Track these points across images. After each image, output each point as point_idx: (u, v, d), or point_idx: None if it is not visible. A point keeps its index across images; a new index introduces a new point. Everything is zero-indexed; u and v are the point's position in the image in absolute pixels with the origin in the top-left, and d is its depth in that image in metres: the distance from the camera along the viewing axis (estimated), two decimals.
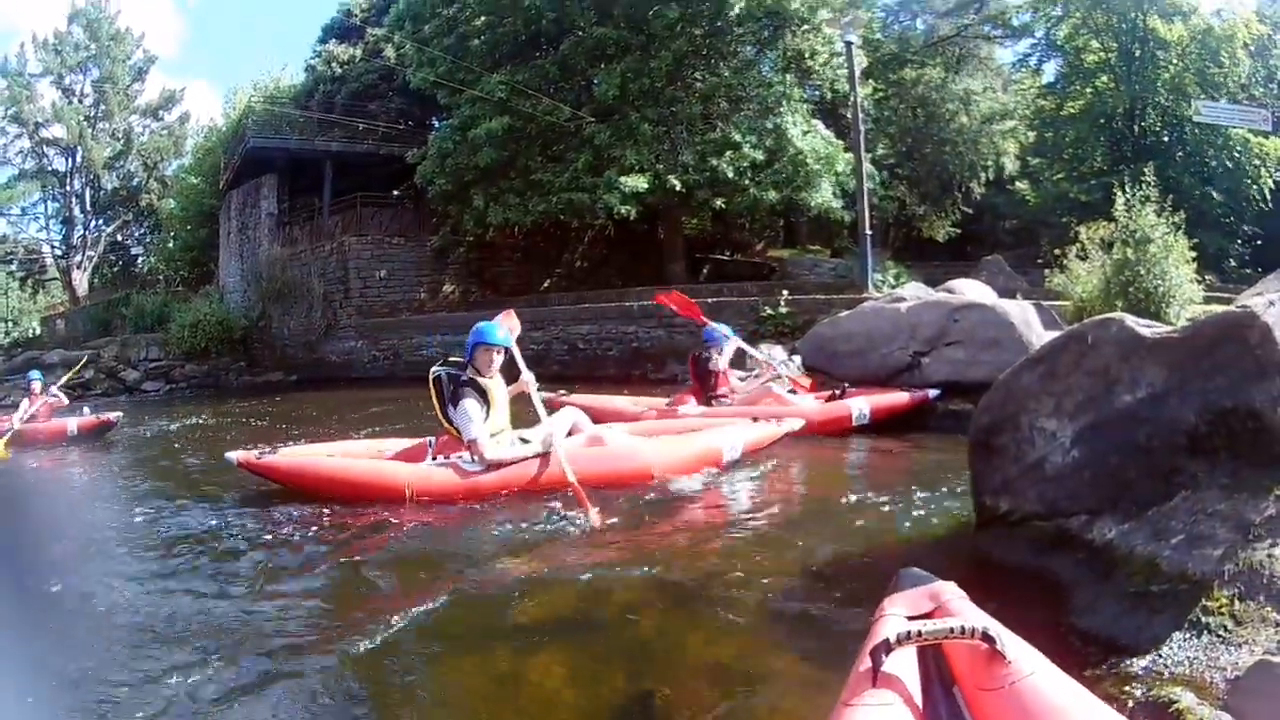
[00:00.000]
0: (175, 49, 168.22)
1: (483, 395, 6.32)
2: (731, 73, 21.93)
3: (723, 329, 9.70)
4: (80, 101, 48.38)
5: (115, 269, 51.19)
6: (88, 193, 49.15)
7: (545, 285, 26.84)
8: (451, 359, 6.74)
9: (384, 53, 30.47)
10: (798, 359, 12.03)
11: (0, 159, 48.82)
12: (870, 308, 11.45)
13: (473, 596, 4.38)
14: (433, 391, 6.49)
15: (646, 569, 4.53)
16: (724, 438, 6.95)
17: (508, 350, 6.77)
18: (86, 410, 14.81)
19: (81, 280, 48.42)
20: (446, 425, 6.44)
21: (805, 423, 7.73)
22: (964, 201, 28.67)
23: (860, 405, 8.64)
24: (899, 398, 8.97)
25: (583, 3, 22.70)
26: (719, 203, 21.83)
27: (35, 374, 14.29)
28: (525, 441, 6.47)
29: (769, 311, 15.71)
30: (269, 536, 5.54)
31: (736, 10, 20.93)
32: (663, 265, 24.81)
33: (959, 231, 29.13)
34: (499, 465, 6.20)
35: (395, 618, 3.90)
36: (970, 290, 12.39)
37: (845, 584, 4.20)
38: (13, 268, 53.72)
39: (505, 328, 6.95)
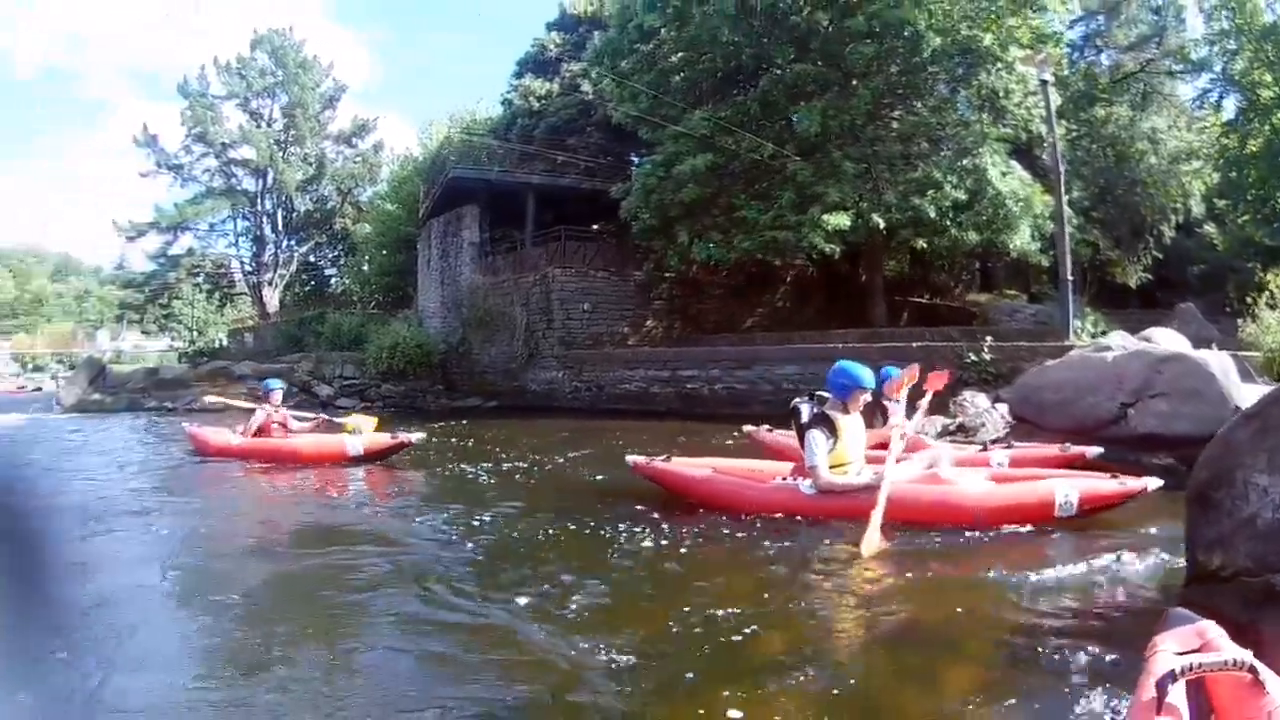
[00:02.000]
0: (365, 82, 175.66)
1: (832, 428, 7.01)
2: (929, 111, 22.03)
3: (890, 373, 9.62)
4: (269, 125, 50.86)
5: (307, 288, 53.53)
6: (279, 213, 51.69)
7: (748, 324, 26.91)
8: (818, 392, 7.50)
9: (582, 88, 31.40)
10: (1002, 408, 11.95)
11: (186, 176, 51.64)
12: (1076, 357, 11.32)
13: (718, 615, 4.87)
14: (793, 419, 7.41)
15: (894, 606, 5.10)
16: (1060, 487, 6.90)
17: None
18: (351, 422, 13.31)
19: (272, 297, 50.85)
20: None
21: (1160, 482, 6.99)
22: (1154, 245, 28.16)
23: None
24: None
25: (780, 39, 22.97)
26: (921, 243, 22.01)
27: (275, 383, 13.90)
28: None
29: (973, 358, 15.46)
30: (652, 530, 6.98)
31: (932, 48, 20.78)
32: (864, 307, 24.67)
33: (1150, 277, 28.62)
34: (831, 491, 7.00)
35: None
36: (1166, 340, 12.19)
37: (1063, 632, 4.47)
38: (199, 280, 56.00)
39: (868, 372, 7.38)
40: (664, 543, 6.59)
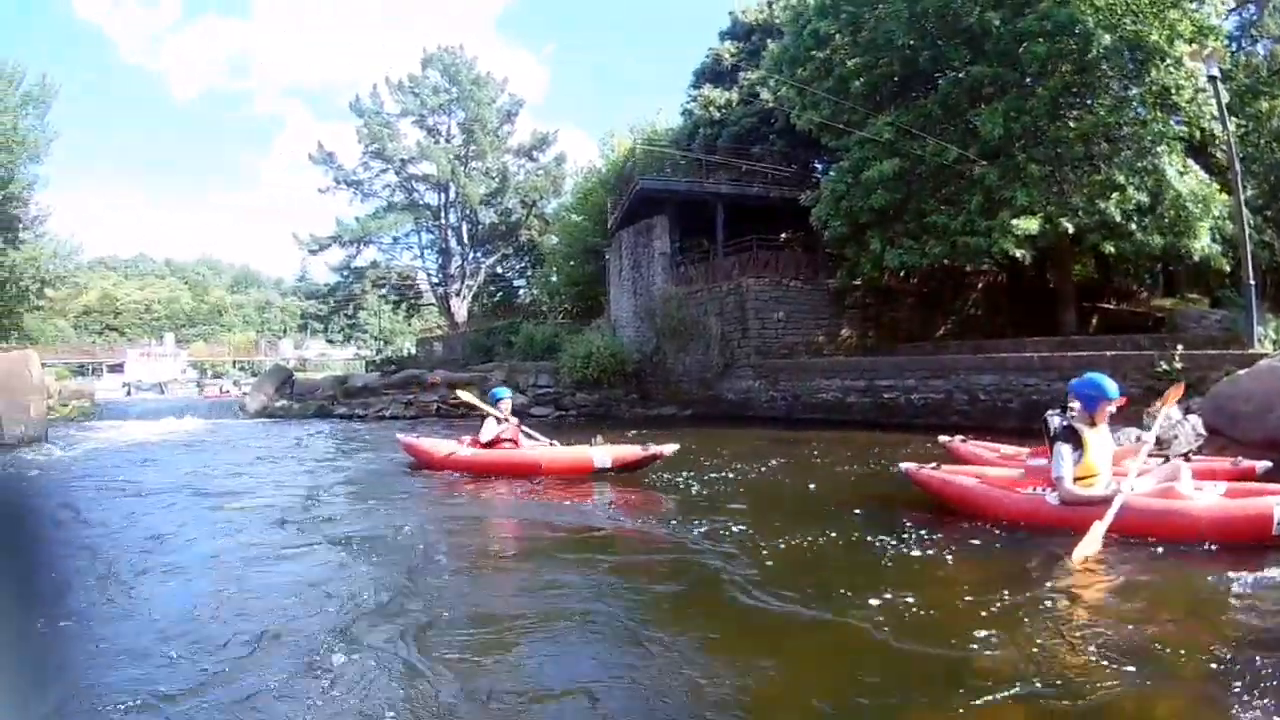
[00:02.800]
0: (539, 96, 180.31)
1: (1078, 441, 7.28)
2: (1105, 111, 21.56)
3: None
4: (448, 141, 52.44)
5: (495, 298, 54.90)
6: (464, 226, 53.26)
7: (940, 332, 26.98)
8: (1069, 404, 8.12)
9: (761, 96, 31.80)
10: (1194, 419, 11.68)
11: (366, 191, 53.60)
12: (1267, 366, 11.22)
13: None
14: (1044, 431, 8.20)
15: (1115, 619, 5.23)
16: (1277, 503, 6.69)
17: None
18: (598, 439, 12.76)
19: (460, 308, 52.49)
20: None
21: None
22: None
23: None
24: None
25: (953, 41, 23.13)
26: (1109, 247, 21.71)
27: (503, 391, 13.38)
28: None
29: (1164, 367, 15.07)
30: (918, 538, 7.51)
31: (1102, 45, 20.57)
32: (1054, 314, 24.46)
33: None
34: (1074, 502, 7.22)
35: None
36: None
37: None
38: (384, 291, 57.88)
39: (1113, 384, 7.49)
40: (920, 551, 7.05)
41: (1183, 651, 4.65)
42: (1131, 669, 4.38)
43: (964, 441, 11.46)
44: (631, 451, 12.07)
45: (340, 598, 6.15)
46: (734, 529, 8.15)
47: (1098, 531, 6.65)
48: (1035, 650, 4.72)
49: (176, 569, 7.30)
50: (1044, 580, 6.13)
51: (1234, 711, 3.81)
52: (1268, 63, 27.03)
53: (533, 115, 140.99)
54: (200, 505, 10.86)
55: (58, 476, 15.10)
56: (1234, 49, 27.04)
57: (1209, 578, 6.03)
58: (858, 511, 8.89)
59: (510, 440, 12.91)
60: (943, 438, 11.88)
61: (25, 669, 4.78)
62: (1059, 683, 4.27)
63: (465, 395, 15.30)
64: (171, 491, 12.11)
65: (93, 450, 20.35)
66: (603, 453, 11.92)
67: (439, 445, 13.79)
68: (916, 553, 7.02)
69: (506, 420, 13.00)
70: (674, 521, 8.89)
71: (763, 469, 12.90)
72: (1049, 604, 5.63)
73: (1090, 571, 6.29)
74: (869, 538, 7.57)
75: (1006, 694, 4.15)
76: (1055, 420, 8.10)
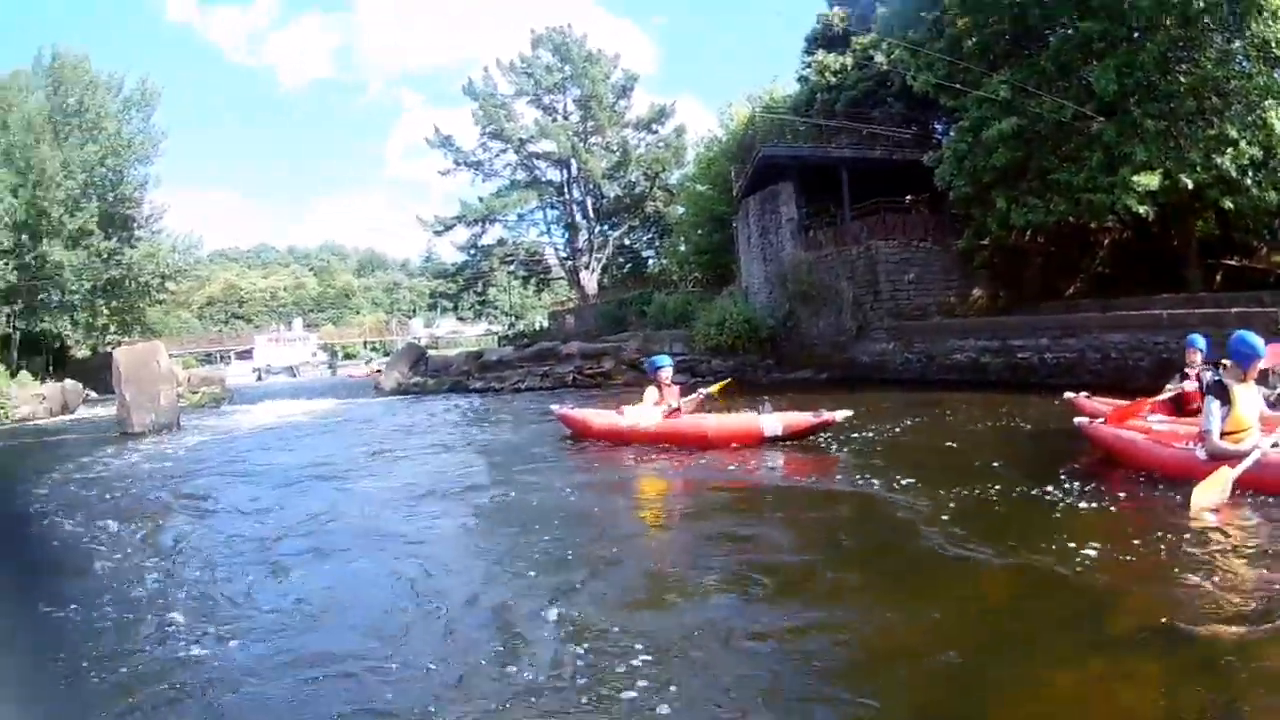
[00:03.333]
0: (651, 67, 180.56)
1: (1226, 396, 7.58)
2: (1213, 65, 21.00)
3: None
4: (566, 119, 53.52)
5: (625, 270, 56.27)
6: (589, 201, 54.55)
7: (1070, 291, 26.28)
8: (1223, 360, 8.36)
9: (875, 59, 32.14)
10: None
11: (487, 172, 55.33)
12: None
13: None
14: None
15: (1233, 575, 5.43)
16: None
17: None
18: (767, 406, 12.42)
19: (590, 280, 53.85)
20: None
21: None
22: None
23: None
24: None
25: None
26: (1228, 202, 21.19)
27: (664, 359, 13.13)
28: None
29: None
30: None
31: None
32: (1177, 271, 23.73)
33: None
34: (1219, 456, 7.42)
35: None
36: None
37: None
38: (512, 268, 59.41)
39: (1261, 342, 7.78)
40: (1087, 504, 7.51)
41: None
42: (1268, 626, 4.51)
43: (1088, 398, 11.90)
44: (803, 418, 11.86)
45: (529, 563, 6.66)
46: (898, 484, 8.69)
47: (1221, 478, 7.03)
48: (1177, 600, 5.00)
49: (351, 547, 7.86)
50: (1184, 533, 6.41)
51: None
52: None
53: (645, 88, 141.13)
54: (350, 483, 11.64)
55: (188, 462, 15.76)
56: None
57: None
58: (1006, 465, 9.45)
59: (675, 408, 12.63)
60: (1068, 394, 12.34)
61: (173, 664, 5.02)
62: (1201, 633, 4.48)
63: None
64: (315, 471, 12.96)
65: (225, 435, 21.46)
66: (773, 420, 11.77)
67: (599, 416, 13.90)
68: (1080, 504, 7.52)
69: (668, 387, 12.79)
70: (839, 478, 9.56)
71: (906, 428, 13.56)
72: (1190, 555, 5.91)
73: (1235, 527, 6.52)
74: (1028, 489, 8.13)
75: (1149, 639, 4.50)
76: (1207, 375, 8.69)
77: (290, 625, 5.63)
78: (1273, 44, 20.62)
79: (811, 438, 12.00)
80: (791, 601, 5.59)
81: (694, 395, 13.27)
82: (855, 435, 12.47)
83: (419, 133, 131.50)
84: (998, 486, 8.41)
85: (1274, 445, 7.33)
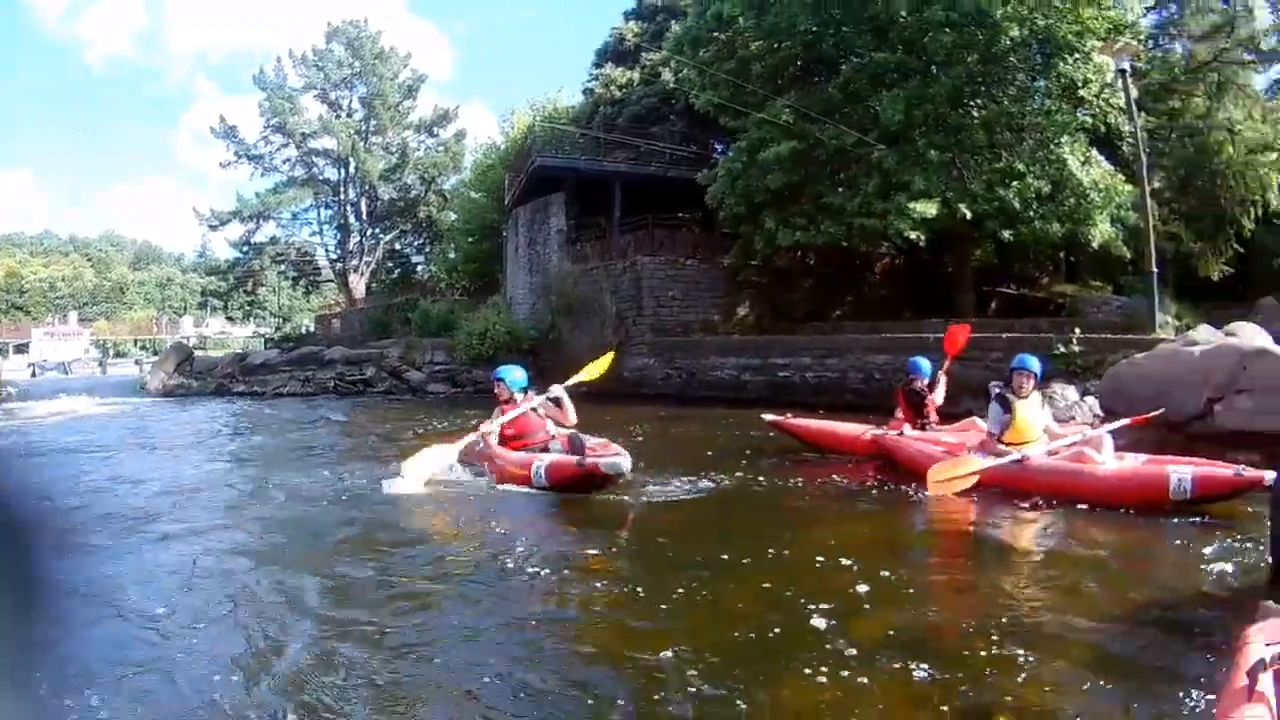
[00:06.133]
0: (449, 72, 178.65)
1: (1007, 406, 8.59)
2: (1010, 101, 21.79)
3: (926, 363, 11.23)
4: (349, 116, 51.90)
5: (393, 275, 54.44)
6: (363, 202, 52.76)
7: (838, 314, 26.48)
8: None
9: (662, 76, 31.59)
10: (1092, 400, 12.19)
11: (266, 166, 53.02)
12: (1166, 350, 11.36)
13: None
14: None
15: (968, 601, 5.30)
16: (1175, 471, 7.36)
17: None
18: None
19: (358, 284, 51.89)
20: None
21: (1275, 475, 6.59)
22: (1235, 238, 27.73)
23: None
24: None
25: (858, 27, 22.98)
26: (1007, 234, 21.83)
27: (505, 372, 10.47)
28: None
29: (1061, 350, 15.52)
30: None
31: (1010, 38, 20.57)
32: (951, 297, 24.33)
33: (1230, 270, 28.23)
34: (994, 453, 8.54)
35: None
36: (1249, 334, 12.14)
37: (1158, 626, 4.63)
38: (283, 268, 57.35)
39: (1036, 361, 9.00)
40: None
41: (1049, 616, 4.87)
42: (997, 631, 4.58)
43: (790, 418, 12.36)
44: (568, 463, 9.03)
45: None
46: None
47: (967, 465, 8.25)
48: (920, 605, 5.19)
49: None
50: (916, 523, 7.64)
51: (1091, 682, 3.98)
52: (1186, 61, 27.53)
53: (442, 92, 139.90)
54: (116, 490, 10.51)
55: None
56: (1151, 46, 27.46)
57: (1089, 544, 6.71)
58: (735, 464, 10.33)
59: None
60: (768, 416, 12.55)
61: None
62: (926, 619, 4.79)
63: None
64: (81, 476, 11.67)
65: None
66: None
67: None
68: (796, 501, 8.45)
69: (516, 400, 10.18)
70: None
71: (652, 438, 14.03)
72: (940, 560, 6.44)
73: (969, 518, 7.65)
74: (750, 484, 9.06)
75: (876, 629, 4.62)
76: (994, 389, 9.13)
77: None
78: (1079, 84, 21.05)
79: None
80: (513, 607, 5.44)
81: (549, 395, 10.30)
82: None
83: (206, 121, 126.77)
84: (713, 482, 9.23)
85: (1049, 453, 8.38)
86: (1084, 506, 7.54)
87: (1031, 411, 8.69)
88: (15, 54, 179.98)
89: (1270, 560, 5.04)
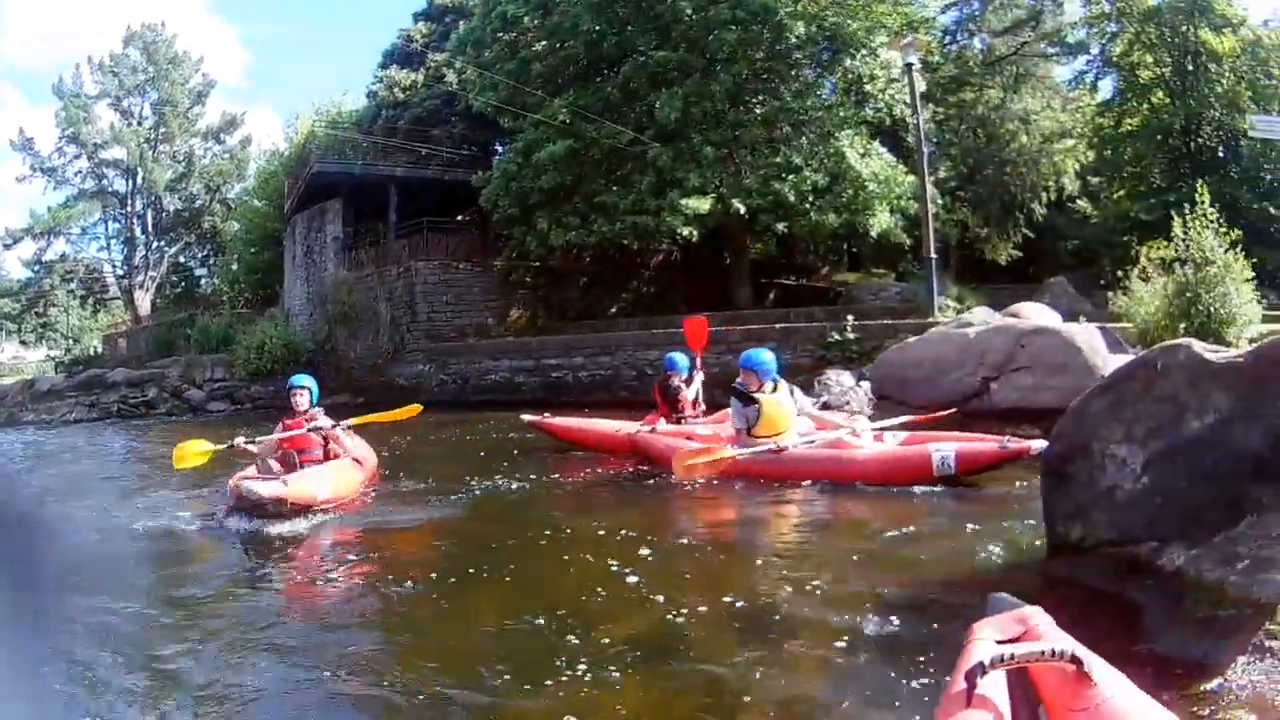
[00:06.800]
0: (239, 77, 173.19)
1: (749, 400, 8.42)
2: (792, 96, 22.11)
3: (683, 359, 11.12)
4: (140, 124, 50.55)
5: (178, 290, 52.69)
6: (149, 214, 51.22)
7: (613, 311, 26.94)
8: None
9: (446, 78, 31.23)
10: (866, 385, 12.24)
11: (59, 179, 51.24)
12: (938, 333, 11.74)
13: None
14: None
15: (725, 593, 4.99)
16: (937, 448, 7.46)
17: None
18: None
19: (144, 300, 49.91)
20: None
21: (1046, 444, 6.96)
22: (1026, 223, 28.65)
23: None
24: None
25: (642, 26, 23.09)
26: (781, 226, 22.29)
27: (301, 379, 9.20)
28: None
29: (836, 337, 15.88)
30: None
31: (796, 35, 21.01)
32: (729, 290, 24.83)
33: (1021, 254, 29.23)
34: (747, 447, 8.31)
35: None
36: (1035, 314, 12.69)
37: (922, 610, 4.43)
38: (73, 286, 55.34)
39: (768, 355, 8.84)
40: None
41: (795, 601, 4.76)
42: (738, 619, 4.57)
43: (549, 417, 12.21)
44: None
45: None
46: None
47: (719, 453, 8.13)
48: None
49: None
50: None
51: (834, 673, 3.84)
52: (984, 55, 28.38)
53: (234, 98, 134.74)
54: None
55: None
56: (949, 42, 28.25)
57: (846, 525, 6.84)
58: (490, 468, 10.04)
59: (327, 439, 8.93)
60: (526, 416, 12.41)
61: None
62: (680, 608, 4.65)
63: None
64: None
65: None
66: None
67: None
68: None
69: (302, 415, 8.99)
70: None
71: (412, 445, 13.77)
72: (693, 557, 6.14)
73: (727, 509, 7.81)
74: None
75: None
76: (735, 385, 8.86)
77: None
78: (865, 79, 21.48)
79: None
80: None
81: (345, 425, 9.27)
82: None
83: (9, 135, 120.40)
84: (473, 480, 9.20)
85: (798, 445, 8.17)
86: (851, 489, 7.50)
87: (780, 404, 8.47)
88: None
89: (1047, 535, 4.88)
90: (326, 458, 8.76)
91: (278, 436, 8.69)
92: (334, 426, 8.89)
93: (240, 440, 8.75)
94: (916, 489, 7.26)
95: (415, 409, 10.35)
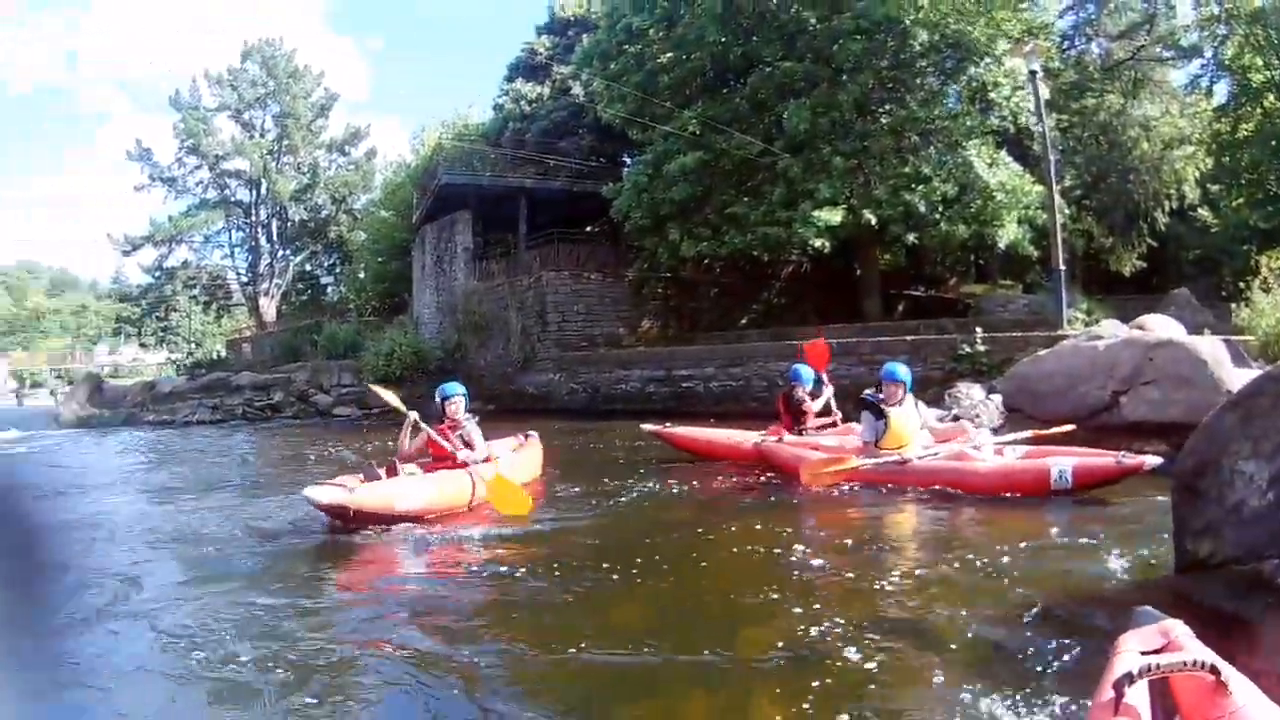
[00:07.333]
0: (364, 91, 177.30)
1: (879, 412, 8.78)
2: (918, 105, 21.86)
3: (808, 371, 11.30)
4: (262, 136, 51.12)
5: (304, 297, 53.78)
6: (274, 223, 52.10)
7: (743, 322, 26.85)
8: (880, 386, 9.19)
9: (572, 90, 31.56)
10: (997, 398, 12.05)
11: (180, 189, 52.11)
12: (1068, 346, 11.43)
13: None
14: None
15: (859, 602, 5.13)
16: (1055, 462, 7.71)
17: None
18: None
19: (269, 307, 50.99)
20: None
21: (1160, 460, 7.35)
22: (1149, 232, 28.18)
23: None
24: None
25: (767, 37, 23.07)
26: (911, 238, 22.05)
27: (454, 388, 9.40)
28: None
29: (966, 350, 15.67)
30: None
31: (920, 43, 20.92)
32: (858, 302, 24.58)
33: (1144, 264, 28.68)
34: (872, 457, 8.76)
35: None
36: (1161, 326, 12.38)
37: (1055, 623, 4.49)
38: (195, 292, 56.39)
39: (902, 368, 9.19)
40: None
41: (930, 615, 4.85)
42: (879, 630, 4.54)
43: (669, 426, 12.46)
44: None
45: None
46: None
47: (843, 464, 8.60)
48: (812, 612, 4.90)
49: None
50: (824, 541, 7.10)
51: (974, 683, 3.79)
52: (1101, 60, 27.87)
53: (356, 111, 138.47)
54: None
55: None
56: (1067, 47, 27.79)
57: (973, 539, 6.71)
58: (617, 476, 10.26)
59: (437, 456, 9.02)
60: (646, 426, 12.56)
61: None
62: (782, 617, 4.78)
63: (382, 392, 10.17)
64: None
65: None
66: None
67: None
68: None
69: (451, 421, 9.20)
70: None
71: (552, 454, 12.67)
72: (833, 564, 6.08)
73: (852, 519, 7.83)
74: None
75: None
76: (865, 396, 9.15)
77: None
78: (989, 87, 21.20)
79: None
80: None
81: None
82: None
83: (126, 144, 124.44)
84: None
85: (921, 457, 8.54)
86: (971, 501, 7.68)
87: (907, 417, 8.79)
88: None
89: (1175, 551, 4.85)
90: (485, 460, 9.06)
91: (420, 442, 8.93)
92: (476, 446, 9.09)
93: (414, 415, 8.89)
94: (1036, 502, 7.54)
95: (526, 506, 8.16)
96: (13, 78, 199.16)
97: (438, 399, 9.32)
